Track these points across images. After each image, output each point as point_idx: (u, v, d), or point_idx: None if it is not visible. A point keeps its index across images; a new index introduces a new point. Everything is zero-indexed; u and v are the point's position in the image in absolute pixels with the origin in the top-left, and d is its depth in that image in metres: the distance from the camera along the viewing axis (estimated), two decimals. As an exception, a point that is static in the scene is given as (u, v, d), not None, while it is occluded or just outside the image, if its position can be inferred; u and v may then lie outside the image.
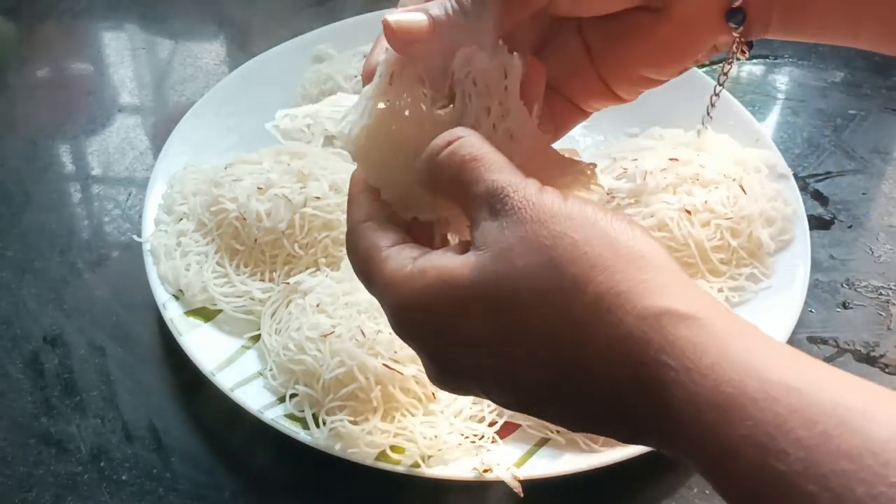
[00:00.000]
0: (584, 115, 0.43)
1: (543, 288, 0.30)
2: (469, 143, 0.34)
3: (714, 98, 0.44)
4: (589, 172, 0.38)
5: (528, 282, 0.30)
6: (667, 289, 0.29)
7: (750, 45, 0.39)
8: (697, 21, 0.38)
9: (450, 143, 0.34)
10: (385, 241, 0.35)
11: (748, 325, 0.29)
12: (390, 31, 0.36)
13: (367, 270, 0.35)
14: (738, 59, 0.39)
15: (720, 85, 0.43)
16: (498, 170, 0.33)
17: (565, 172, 0.38)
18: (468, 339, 0.32)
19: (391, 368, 0.53)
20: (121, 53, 0.91)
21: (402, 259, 0.34)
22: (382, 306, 0.35)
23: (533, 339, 0.30)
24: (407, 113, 0.37)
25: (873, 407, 0.25)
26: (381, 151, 0.37)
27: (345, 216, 0.62)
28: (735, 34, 0.37)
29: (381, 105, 0.36)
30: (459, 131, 0.34)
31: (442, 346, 0.33)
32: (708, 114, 0.45)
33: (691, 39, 0.38)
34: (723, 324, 0.28)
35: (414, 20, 0.35)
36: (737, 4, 0.36)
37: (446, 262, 0.32)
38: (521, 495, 0.51)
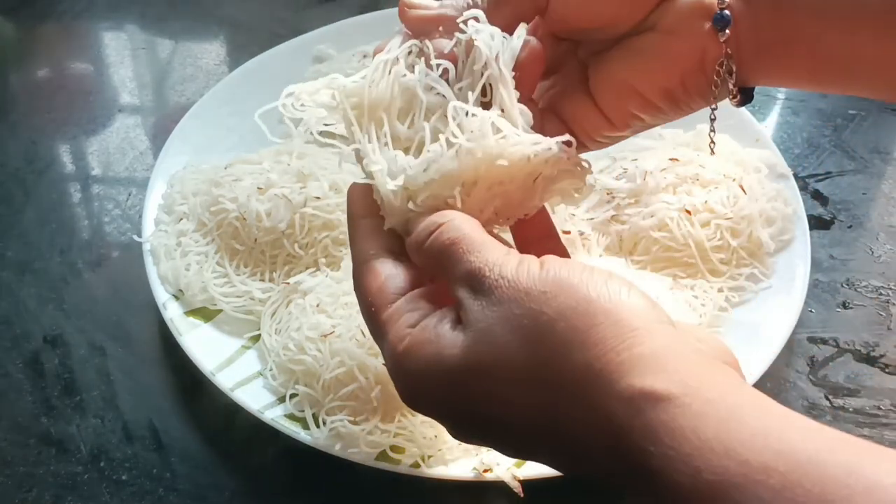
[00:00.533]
0: (582, 148, 0.43)
1: (522, 368, 0.31)
2: (450, 227, 0.35)
3: (711, 134, 0.45)
4: (580, 168, 0.39)
5: (509, 363, 0.32)
6: (644, 363, 0.29)
7: (748, 94, 0.40)
8: (683, 26, 0.38)
9: (431, 233, 0.36)
10: (394, 286, 0.37)
11: (727, 392, 0.29)
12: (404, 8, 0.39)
13: (371, 324, 0.37)
14: (733, 101, 0.40)
15: (713, 114, 0.44)
16: (476, 250, 0.34)
17: (560, 159, 0.38)
18: (463, 413, 0.34)
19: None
20: (121, 53, 0.91)
21: (402, 327, 0.35)
22: (385, 362, 0.37)
23: (522, 416, 0.32)
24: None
25: (854, 477, 0.25)
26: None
27: (345, 216, 0.63)
28: (721, 40, 0.37)
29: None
30: (439, 217, 0.36)
31: (443, 414, 0.36)
32: (711, 141, 0.45)
33: (676, 45, 0.39)
34: (700, 400, 0.28)
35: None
36: (723, 6, 0.36)
37: (441, 338, 0.34)
38: (521, 495, 0.51)
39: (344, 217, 0.63)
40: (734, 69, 0.38)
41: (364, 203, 0.39)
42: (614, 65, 0.40)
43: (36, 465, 0.57)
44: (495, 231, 0.39)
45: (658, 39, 0.39)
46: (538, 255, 0.41)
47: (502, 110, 0.38)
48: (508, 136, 0.36)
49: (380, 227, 0.39)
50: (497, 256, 0.34)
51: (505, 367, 0.32)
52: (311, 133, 0.40)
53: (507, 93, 0.38)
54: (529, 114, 0.38)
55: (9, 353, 0.64)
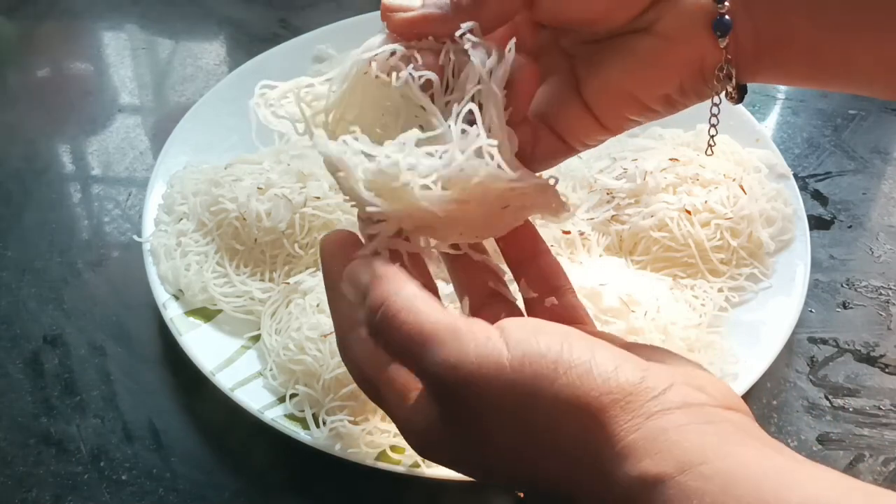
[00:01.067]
0: (572, 151, 0.42)
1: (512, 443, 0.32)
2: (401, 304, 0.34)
3: (711, 141, 0.44)
4: (556, 204, 0.38)
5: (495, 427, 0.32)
6: (639, 449, 0.29)
7: (741, 91, 0.39)
8: (682, 32, 0.37)
9: (378, 307, 0.34)
10: (382, 362, 0.36)
11: (724, 462, 0.29)
12: (386, 12, 0.38)
13: (376, 381, 0.36)
14: (730, 100, 0.39)
15: (714, 119, 0.43)
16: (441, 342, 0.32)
17: (536, 195, 0.37)
18: (470, 469, 0.35)
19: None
20: (121, 53, 0.91)
21: (397, 395, 0.35)
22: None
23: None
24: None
25: None
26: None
27: (345, 216, 0.63)
28: (721, 46, 0.36)
29: None
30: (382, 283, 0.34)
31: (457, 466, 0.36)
32: (711, 139, 0.44)
33: (676, 52, 0.38)
34: (696, 477, 0.28)
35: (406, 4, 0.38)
36: (723, 11, 0.35)
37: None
38: (521, 495, 0.51)
39: (344, 217, 0.63)
40: (733, 73, 0.37)
41: (343, 260, 0.37)
42: (611, 73, 0.39)
43: (36, 465, 0.57)
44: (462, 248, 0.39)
45: (656, 45, 0.38)
46: (534, 275, 0.41)
47: (489, 130, 0.36)
48: (490, 168, 0.34)
49: (363, 298, 0.36)
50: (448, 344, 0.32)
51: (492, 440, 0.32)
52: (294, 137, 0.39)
53: (497, 113, 0.36)
54: (516, 140, 0.37)
55: (9, 353, 0.64)
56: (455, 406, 0.32)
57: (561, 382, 0.30)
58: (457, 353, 0.31)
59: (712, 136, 0.43)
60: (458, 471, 0.36)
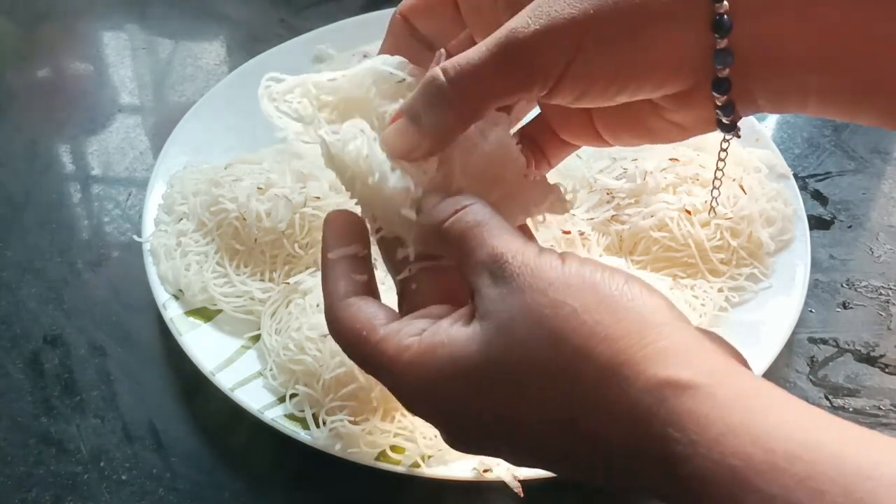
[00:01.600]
0: (574, 148, 0.43)
1: (545, 360, 0.31)
2: (474, 210, 0.34)
3: (717, 182, 0.44)
4: (563, 201, 0.40)
5: (532, 355, 0.31)
6: (668, 355, 0.29)
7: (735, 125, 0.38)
8: (691, 121, 0.37)
9: (456, 212, 0.35)
10: (378, 317, 0.35)
11: (752, 385, 0.29)
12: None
13: (362, 352, 0.35)
14: (734, 137, 0.38)
15: (721, 161, 0.43)
16: (498, 235, 0.33)
17: (545, 197, 0.38)
18: (482, 412, 0.33)
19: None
20: (121, 53, 0.91)
21: (404, 337, 0.34)
22: (385, 385, 0.35)
23: (540, 412, 0.31)
24: None
25: (880, 470, 0.25)
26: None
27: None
28: (719, 102, 0.35)
29: None
30: (464, 199, 0.35)
31: (455, 421, 0.34)
32: (713, 199, 0.45)
33: (679, 111, 0.37)
34: (726, 390, 0.28)
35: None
36: (722, 75, 0.34)
37: (454, 339, 0.32)
38: (521, 495, 0.51)
39: (344, 217, 0.63)
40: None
41: (345, 233, 0.38)
42: (619, 121, 0.39)
43: (36, 465, 0.57)
44: None
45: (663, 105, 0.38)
46: None
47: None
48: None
49: (359, 268, 0.38)
50: (520, 244, 0.33)
51: (526, 359, 0.31)
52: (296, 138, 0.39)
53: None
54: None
55: (9, 353, 0.64)
56: (500, 297, 0.32)
57: (607, 288, 0.31)
58: (525, 248, 0.33)
59: (714, 199, 0.43)
60: (450, 423, 0.34)
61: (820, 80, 0.34)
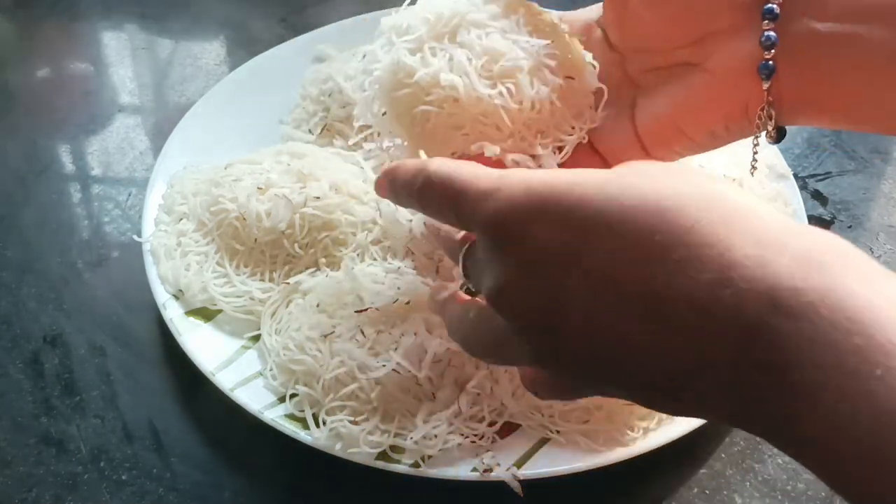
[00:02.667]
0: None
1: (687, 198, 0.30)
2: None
3: (754, 161, 0.47)
4: None
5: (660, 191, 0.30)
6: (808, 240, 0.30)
7: (780, 132, 0.41)
8: (730, 72, 0.40)
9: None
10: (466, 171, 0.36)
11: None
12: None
13: (454, 194, 0.35)
14: (769, 139, 0.41)
15: (754, 160, 0.46)
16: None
17: None
18: (592, 269, 0.30)
19: (393, 370, 0.53)
20: (121, 53, 0.91)
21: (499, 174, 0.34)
22: (478, 237, 0.35)
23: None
24: None
25: None
26: None
27: (345, 216, 0.63)
28: (764, 88, 0.39)
29: None
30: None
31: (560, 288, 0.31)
32: (753, 160, 0.47)
33: (723, 90, 0.41)
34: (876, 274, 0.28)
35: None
36: (769, 57, 0.38)
37: (578, 173, 0.32)
38: (522, 495, 0.51)
39: (344, 217, 0.63)
40: (773, 114, 0.40)
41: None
42: (665, 104, 0.42)
43: (36, 465, 0.57)
44: None
45: (706, 80, 0.41)
46: None
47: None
48: None
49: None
50: None
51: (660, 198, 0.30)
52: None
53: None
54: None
55: (9, 353, 0.64)
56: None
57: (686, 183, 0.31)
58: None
59: (755, 161, 0.46)
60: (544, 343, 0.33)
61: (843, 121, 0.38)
